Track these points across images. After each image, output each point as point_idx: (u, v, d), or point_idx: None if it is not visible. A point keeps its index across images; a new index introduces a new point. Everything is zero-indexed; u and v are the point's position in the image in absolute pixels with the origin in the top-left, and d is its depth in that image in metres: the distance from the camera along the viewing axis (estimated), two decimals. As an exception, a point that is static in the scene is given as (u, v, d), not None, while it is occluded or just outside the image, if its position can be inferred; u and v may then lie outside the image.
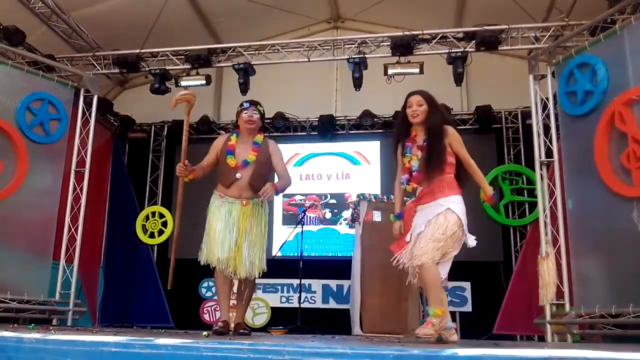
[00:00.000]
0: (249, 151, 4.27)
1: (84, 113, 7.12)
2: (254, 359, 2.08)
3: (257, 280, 8.32)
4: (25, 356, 2.32)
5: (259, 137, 4.38)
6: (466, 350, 1.94)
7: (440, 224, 3.55)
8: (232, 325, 4.39)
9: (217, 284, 4.27)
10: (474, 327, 7.45)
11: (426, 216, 3.65)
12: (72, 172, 6.89)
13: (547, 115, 6.26)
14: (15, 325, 5.49)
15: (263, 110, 4.48)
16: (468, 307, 7.86)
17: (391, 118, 8.54)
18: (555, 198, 5.98)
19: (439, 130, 3.73)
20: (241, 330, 4.15)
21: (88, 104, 7.16)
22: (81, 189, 6.89)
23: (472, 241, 3.76)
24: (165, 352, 2.21)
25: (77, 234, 6.77)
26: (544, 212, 6.09)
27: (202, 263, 4.18)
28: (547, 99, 6.30)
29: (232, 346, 2.13)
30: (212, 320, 8.24)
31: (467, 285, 7.90)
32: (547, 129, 6.25)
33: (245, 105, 4.39)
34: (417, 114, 3.78)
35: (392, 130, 4.05)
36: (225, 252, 4.06)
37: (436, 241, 3.53)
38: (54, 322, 6.37)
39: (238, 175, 4.18)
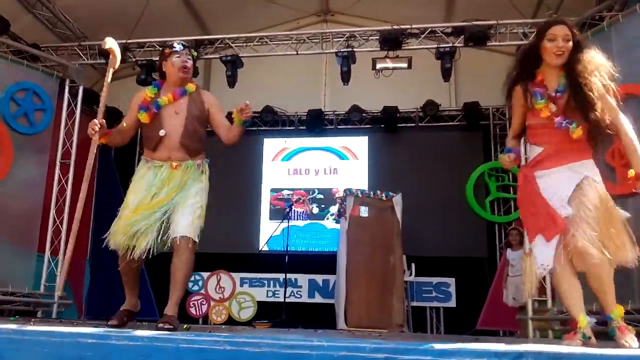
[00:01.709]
0: (173, 100, 3.42)
1: (69, 104, 7.06)
2: (230, 350, 2.07)
3: (244, 275, 8.45)
4: (2, 347, 2.31)
5: (191, 86, 3.53)
6: (442, 345, 1.95)
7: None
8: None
9: (121, 267, 3.40)
10: (458, 323, 7.51)
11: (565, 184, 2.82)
12: (57, 163, 6.83)
13: (535, 112, 6.27)
14: (-1, 317, 5.46)
15: (196, 56, 3.69)
16: (452, 303, 7.91)
17: (379, 113, 8.56)
18: (540, 194, 5.99)
19: (589, 78, 2.81)
20: (160, 324, 3.11)
21: (74, 95, 7.10)
22: (66, 181, 6.85)
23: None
24: (142, 343, 2.20)
25: (62, 226, 6.72)
26: (528, 209, 6.10)
27: (110, 247, 3.34)
28: (534, 95, 6.30)
29: (209, 338, 2.13)
30: (198, 313, 8.23)
31: (451, 281, 7.94)
32: (534, 126, 6.25)
33: (178, 47, 3.49)
34: (563, 51, 2.85)
35: (514, 68, 3.05)
36: (139, 226, 3.21)
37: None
38: (39, 314, 6.33)
39: (161, 132, 3.33)
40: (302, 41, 7.31)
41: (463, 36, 6.80)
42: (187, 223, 3.23)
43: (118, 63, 3.38)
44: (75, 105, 7.08)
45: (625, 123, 2.84)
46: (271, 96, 8.81)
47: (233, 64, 7.18)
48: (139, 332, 2.30)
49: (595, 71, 2.84)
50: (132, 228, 3.21)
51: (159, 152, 3.36)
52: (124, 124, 3.49)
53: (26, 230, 6.30)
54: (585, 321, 2.76)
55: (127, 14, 7.28)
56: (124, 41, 7.30)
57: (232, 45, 7.37)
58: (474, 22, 6.70)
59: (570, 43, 2.85)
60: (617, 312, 2.72)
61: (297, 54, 7.30)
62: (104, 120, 3.30)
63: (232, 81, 7.23)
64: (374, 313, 6.41)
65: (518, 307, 6.44)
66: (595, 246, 2.65)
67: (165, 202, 3.26)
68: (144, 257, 3.27)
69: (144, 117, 3.38)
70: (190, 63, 3.49)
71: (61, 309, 6.58)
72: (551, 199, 2.80)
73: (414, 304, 7.45)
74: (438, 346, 1.91)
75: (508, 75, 3.08)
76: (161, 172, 3.31)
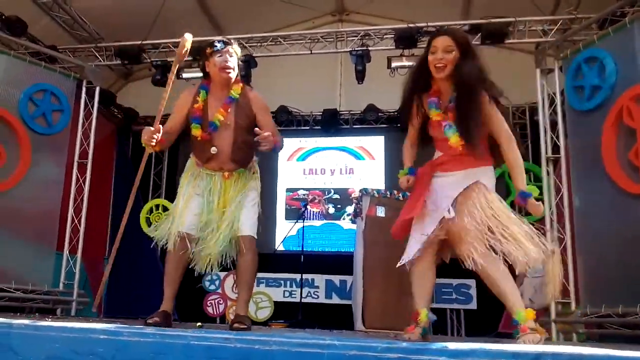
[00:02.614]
0: (219, 110, 3.33)
1: (86, 105, 7.13)
2: (240, 348, 2.05)
3: (261, 275, 8.47)
4: (13, 342, 2.32)
5: (236, 89, 3.35)
6: (456, 344, 1.90)
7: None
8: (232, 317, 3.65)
9: (167, 265, 3.36)
10: (479, 325, 7.40)
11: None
12: (75, 163, 6.90)
13: (555, 111, 6.18)
14: (19, 314, 5.52)
15: (240, 53, 3.48)
16: (473, 305, 7.80)
17: (395, 113, 8.49)
18: (562, 195, 5.90)
19: (473, 89, 2.82)
20: (235, 325, 3.17)
21: (90, 95, 7.17)
22: (84, 181, 6.91)
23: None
24: (153, 340, 2.20)
25: (80, 225, 6.78)
26: (550, 209, 6.01)
27: (159, 244, 3.41)
28: (554, 94, 6.21)
29: (219, 335, 2.11)
30: (215, 313, 8.25)
31: (472, 282, 7.82)
32: (554, 124, 6.16)
33: (218, 45, 3.30)
34: (444, 64, 2.82)
35: (405, 82, 3.07)
36: (192, 227, 3.29)
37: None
38: (58, 312, 6.40)
39: (213, 150, 3.30)
40: (316, 40, 7.28)
41: (480, 34, 6.71)
42: (251, 223, 3.32)
43: (184, 56, 3.31)
44: (92, 106, 7.15)
45: (510, 138, 2.89)
46: (286, 96, 8.79)
47: (247, 64, 7.17)
48: (150, 329, 2.30)
49: (478, 82, 2.83)
50: (194, 230, 3.29)
51: (211, 164, 3.36)
52: (170, 127, 3.41)
53: (45, 229, 6.35)
54: (425, 316, 2.87)
55: (142, 15, 7.31)
56: (139, 42, 7.35)
57: (246, 45, 7.36)
58: (491, 20, 6.61)
59: (454, 53, 2.81)
60: (523, 314, 2.72)
61: (311, 53, 7.28)
62: (160, 126, 3.24)
63: (246, 81, 7.14)
64: (392, 314, 6.33)
65: (542, 310, 6.33)
66: (477, 251, 2.69)
67: (223, 206, 3.32)
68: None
69: (198, 132, 3.32)
70: (233, 61, 3.33)
71: (80, 307, 6.64)
72: (440, 201, 2.87)
73: (434, 305, 7.33)
74: (452, 346, 1.86)
75: (404, 88, 3.08)
76: (215, 181, 3.35)
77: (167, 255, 3.33)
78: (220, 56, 3.29)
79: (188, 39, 3.24)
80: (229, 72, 3.29)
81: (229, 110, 3.34)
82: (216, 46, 3.30)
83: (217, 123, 3.30)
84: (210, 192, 3.31)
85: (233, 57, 3.35)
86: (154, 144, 3.20)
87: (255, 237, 3.33)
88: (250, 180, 3.44)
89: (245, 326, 3.13)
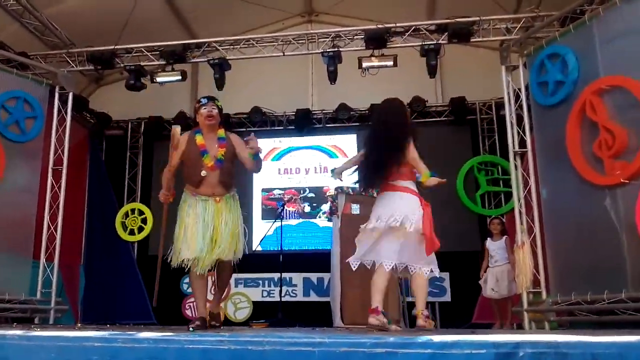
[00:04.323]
0: (217, 148, 4.22)
1: (59, 111, 7.04)
2: (234, 350, 2.13)
3: (239, 275, 8.50)
4: (9, 353, 2.34)
5: (221, 132, 4.32)
6: (441, 337, 2.02)
7: None
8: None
9: (193, 283, 4.21)
10: (454, 317, 7.55)
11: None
12: (50, 170, 6.83)
13: (520, 106, 6.36)
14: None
15: (221, 105, 4.41)
16: (447, 297, 7.98)
17: (367, 111, 8.62)
18: (530, 188, 6.05)
19: None
20: (211, 323, 4.24)
21: (63, 101, 7.08)
22: (59, 187, 6.83)
23: None
24: (147, 345, 2.25)
25: (56, 233, 6.72)
26: (519, 201, 6.16)
27: (174, 265, 4.12)
28: (519, 89, 6.39)
29: (213, 338, 2.18)
30: (193, 316, 8.23)
31: (446, 275, 8.00)
32: (520, 119, 6.33)
33: (203, 101, 4.31)
34: None
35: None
36: (203, 250, 4.03)
37: None
38: (36, 320, 6.33)
39: (203, 173, 4.12)
40: (288, 42, 7.35)
41: (447, 33, 6.87)
42: (239, 247, 4.19)
43: (177, 146, 4.22)
44: (66, 112, 7.06)
45: None
46: (259, 97, 8.87)
47: (220, 67, 7.23)
48: (144, 334, 2.34)
49: None
50: (203, 249, 4.05)
51: (203, 189, 4.15)
52: (176, 161, 4.29)
53: (21, 238, 6.28)
54: None
55: (113, 21, 7.30)
56: (112, 47, 7.32)
57: (219, 48, 7.41)
58: (457, 19, 6.78)
59: None
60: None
61: (284, 55, 7.35)
62: (170, 192, 4.36)
63: (220, 84, 7.27)
64: (370, 309, 6.45)
65: (504, 299, 6.48)
66: None
67: (219, 228, 4.12)
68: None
69: (209, 161, 4.14)
70: (215, 111, 4.25)
71: (58, 315, 6.58)
72: None
73: (409, 299, 7.51)
74: (437, 339, 1.98)
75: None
76: (209, 206, 4.13)
77: (190, 277, 4.21)
78: (205, 108, 4.24)
79: (177, 130, 4.28)
80: (212, 120, 4.23)
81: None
82: (202, 101, 4.30)
83: (221, 158, 4.18)
84: (207, 214, 4.10)
85: (215, 108, 4.27)
86: (170, 200, 4.38)
87: (238, 257, 4.21)
88: (235, 205, 4.28)
89: (217, 324, 4.35)
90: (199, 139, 4.23)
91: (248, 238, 8.97)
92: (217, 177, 4.15)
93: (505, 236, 6.56)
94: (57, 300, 6.56)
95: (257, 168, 4.35)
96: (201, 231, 4.06)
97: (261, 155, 4.36)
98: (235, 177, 4.34)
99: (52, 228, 6.74)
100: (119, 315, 8.09)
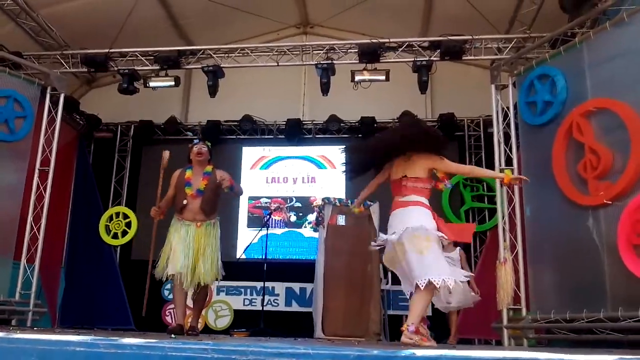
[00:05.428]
0: (200, 181, 5.02)
1: (50, 111, 7.00)
2: (217, 358, 2.12)
3: (221, 283, 8.51)
4: (-12, 355, 2.32)
5: (209, 168, 5.13)
6: (424, 351, 2.03)
7: None
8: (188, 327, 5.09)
9: (174, 294, 4.98)
10: (434, 332, 7.52)
11: None
12: (36, 170, 6.76)
13: (508, 125, 6.43)
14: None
15: (210, 145, 5.25)
16: (428, 312, 7.97)
17: (357, 123, 8.67)
18: (514, 205, 6.11)
19: None
20: (189, 332, 4.92)
21: (54, 102, 7.04)
22: (45, 188, 6.76)
23: None
24: (130, 351, 2.23)
25: (39, 234, 6.65)
26: (503, 218, 6.22)
27: (162, 278, 4.96)
28: (508, 108, 6.46)
29: (197, 346, 2.17)
30: (173, 322, 8.18)
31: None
32: (507, 137, 6.41)
33: (195, 141, 5.28)
34: None
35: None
36: (184, 266, 4.77)
37: None
38: (13, 322, 6.25)
39: (185, 201, 4.94)
40: (282, 52, 7.39)
41: (439, 50, 6.95)
42: (213, 271, 4.92)
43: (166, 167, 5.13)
44: (56, 113, 7.02)
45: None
46: (251, 105, 8.87)
47: (214, 74, 7.24)
48: (126, 340, 2.32)
49: None
50: (185, 265, 4.80)
51: (186, 214, 4.96)
52: (170, 195, 5.11)
53: (3, 238, 6.22)
54: None
55: (110, 24, 7.30)
56: (106, 50, 7.31)
57: (214, 55, 7.43)
58: (449, 37, 6.86)
59: None
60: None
61: (278, 65, 7.38)
62: (162, 205, 5.14)
63: (212, 91, 7.28)
64: (352, 321, 6.47)
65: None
66: None
67: (199, 249, 4.91)
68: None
69: (190, 192, 4.96)
70: (204, 149, 5.11)
71: (36, 317, 6.50)
72: None
73: (390, 312, 7.52)
74: (420, 353, 1.99)
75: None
76: (190, 230, 4.91)
77: (173, 289, 5.08)
78: (196, 147, 5.13)
79: (166, 154, 5.18)
80: (201, 157, 5.09)
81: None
82: (194, 141, 5.28)
83: (202, 189, 5.00)
84: (189, 236, 4.88)
85: (204, 147, 5.13)
86: (161, 217, 5.14)
87: (217, 278, 5.04)
88: (215, 232, 5.05)
89: (195, 333, 4.95)
90: (188, 173, 5.07)
91: (232, 246, 9.05)
92: (199, 204, 4.95)
93: (459, 247, 6.44)
94: (35, 302, 6.47)
95: (237, 195, 5.68)
96: (183, 251, 4.82)
97: (236, 185, 5.41)
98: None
99: (34, 229, 6.67)
100: (97, 320, 8.00)
